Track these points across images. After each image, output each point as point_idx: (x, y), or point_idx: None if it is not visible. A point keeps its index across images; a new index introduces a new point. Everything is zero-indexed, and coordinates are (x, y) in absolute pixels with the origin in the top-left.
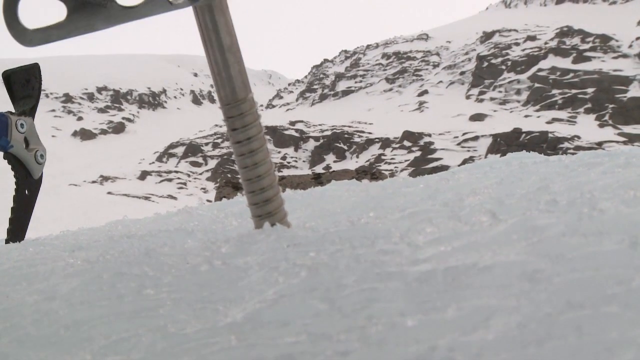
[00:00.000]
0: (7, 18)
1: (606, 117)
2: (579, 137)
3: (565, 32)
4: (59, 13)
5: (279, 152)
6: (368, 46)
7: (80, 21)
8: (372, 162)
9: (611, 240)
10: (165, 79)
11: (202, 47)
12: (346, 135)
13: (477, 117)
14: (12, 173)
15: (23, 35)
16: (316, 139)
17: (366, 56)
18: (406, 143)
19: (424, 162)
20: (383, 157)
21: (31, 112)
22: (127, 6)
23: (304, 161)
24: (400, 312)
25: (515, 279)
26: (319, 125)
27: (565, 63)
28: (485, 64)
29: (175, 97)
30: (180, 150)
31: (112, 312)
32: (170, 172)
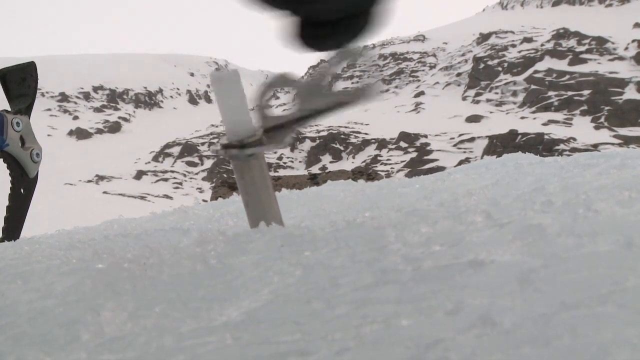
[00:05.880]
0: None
1: (602, 119)
2: (574, 139)
3: (562, 34)
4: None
5: (275, 153)
6: (364, 47)
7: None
8: (368, 162)
9: (606, 240)
10: (161, 79)
11: (240, 191)
12: (342, 136)
13: (474, 119)
14: (8, 172)
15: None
16: (312, 139)
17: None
18: (402, 144)
19: (420, 163)
20: (379, 158)
21: (27, 110)
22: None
23: (300, 161)
24: (395, 311)
25: (510, 279)
26: (315, 125)
27: (561, 65)
28: (482, 65)
29: (171, 96)
30: (176, 150)
31: (107, 311)
32: (166, 171)
